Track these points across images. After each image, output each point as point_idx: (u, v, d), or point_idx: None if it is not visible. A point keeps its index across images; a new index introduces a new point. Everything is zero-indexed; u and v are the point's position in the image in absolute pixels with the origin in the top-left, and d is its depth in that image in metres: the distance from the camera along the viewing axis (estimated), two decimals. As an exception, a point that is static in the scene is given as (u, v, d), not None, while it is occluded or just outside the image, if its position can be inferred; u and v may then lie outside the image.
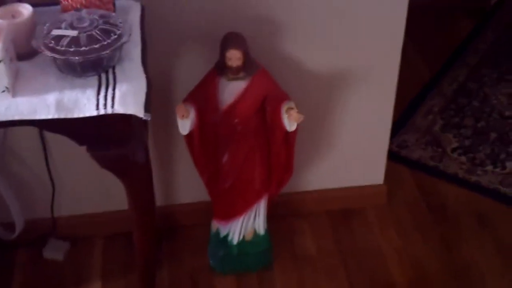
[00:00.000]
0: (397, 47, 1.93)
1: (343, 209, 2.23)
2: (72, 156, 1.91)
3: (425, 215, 2.23)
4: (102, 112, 1.36)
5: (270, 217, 2.01)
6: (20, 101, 1.35)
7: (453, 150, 2.45)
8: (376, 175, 2.22)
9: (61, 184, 2.03)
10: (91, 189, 2.06)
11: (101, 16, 1.43)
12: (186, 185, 2.11)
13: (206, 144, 1.84)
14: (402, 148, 2.46)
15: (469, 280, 2.03)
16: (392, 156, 2.38)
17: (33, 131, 1.88)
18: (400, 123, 2.55)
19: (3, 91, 1.34)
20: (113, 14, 1.47)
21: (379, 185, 2.24)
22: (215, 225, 2.00)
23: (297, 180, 2.13)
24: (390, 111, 2.08)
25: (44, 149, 1.94)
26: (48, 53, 1.37)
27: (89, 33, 1.38)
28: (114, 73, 1.41)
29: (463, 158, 2.41)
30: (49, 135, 1.90)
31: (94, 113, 1.36)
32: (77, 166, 1.97)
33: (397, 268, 2.06)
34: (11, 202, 1.96)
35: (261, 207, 1.96)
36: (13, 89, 1.36)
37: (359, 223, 2.20)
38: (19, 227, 2.00)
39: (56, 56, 1.36)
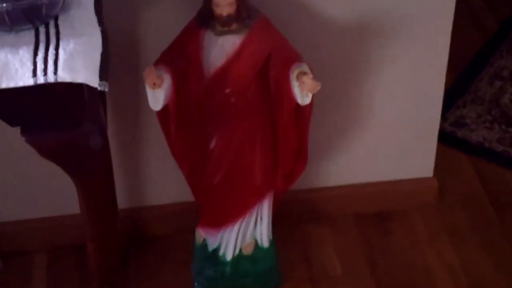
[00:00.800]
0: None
1: (378, 212, 2.25)
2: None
3: (489, 218, 2.25)
4: (41, 80, 1.36)
5: (277, 224, 2.02)
6: None
7: (530, 129, 2.47)
8: (422, 164, 2.24)
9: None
10: (30, 187, 2.07)
11: None
12: (160, 181, 2.13)
13: (186, 123, 1.85)
14: (459, 127, 2.48)
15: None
16: (445, 138, 2.39)
17: None
18: (455, 92, 2.56)
19: None
20: None
21: (427, 178, 2.26)
22: (201, 234, 2.01)
23: (313, 173, 2.15)
24: (442, 74, 2.08)
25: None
26: (-36, -1, 1.37)
27: (21, -31, 1.39)
28: (57, 26, 1.41)
29: (543, 141, 2.43)
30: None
31: (30, 82, 1.36)
32: (9, 155, 1.98)
33: (451, 290, 2.08)
34: None
35: (264, 209, 1.97)
36: None
37: (399, 230, 2.22)
38: None
39: (-24, 2, 1.37)
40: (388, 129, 2.14)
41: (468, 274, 2.11)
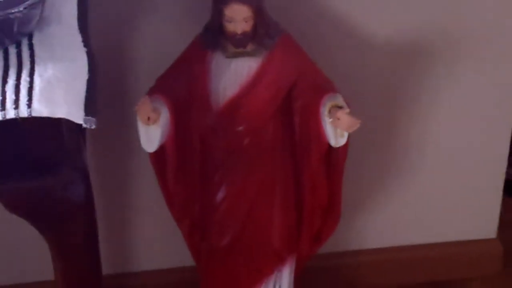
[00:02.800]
0: None
1: (427, 283, 2.26)
2: None
3: None
4: (10, 114, 1.35)
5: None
6: None
7: None
8: (483, 223, 2.26)
9: None
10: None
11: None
12: (154, 241, 2.15)
13: (187, 169, 1.85)
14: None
15: None
16: (511, 188, 2.39)
17: None
18: None
19: None
20: None
21: (489, 240, 2.28)
22: (202, 310, 2.01)
23: (346, 233, 2.17)
24: (510, 113, 2.11)
25: None
26: None
27: (-14, -24, 1.40)
28: (31, 47, 1.42)
29: None
30: None
31: (-4, 116, 1.37)
32: None
33: None
34: None
35: (284, 279, 1.96)
36: None
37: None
38: None
39: None
40: (440, 179, 2.16)
41: None
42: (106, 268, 1.99)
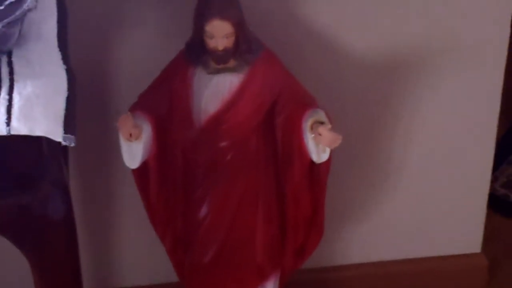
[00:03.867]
0: (507, 17, 1.97)
1: None
2: None
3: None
4: None
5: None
6: None
7: None
8: (468, 237, 2.25)
9: None
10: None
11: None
12: (136, 257, 2.14)
13: (170, 185, 1.85)
14: (512, 188, 2.48)
15: None
16: (496, 202, 2.42)
17: None
18: (508, 144, 2.58)
19: None
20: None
21: (474, 254, 2.27)
22: (187, 326, 2.01)
23: (330, 247, 2.16)
24: (493, 126, 2.11)
25: None
26: None
27: (-35, -6, 1.39)
28: (10, 64, 1.42)
29: None
30: None
31: (-25, 134, 1.37)
32: None
33: None
34: None
35: (268, 295, 1.97)
36: None
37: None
38: None
39: None
40: (424, 192, 2.16)
41: None
42: (88, 284, 1.99)
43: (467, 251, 2.25)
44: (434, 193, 2.17)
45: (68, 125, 1.38)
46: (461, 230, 2.23)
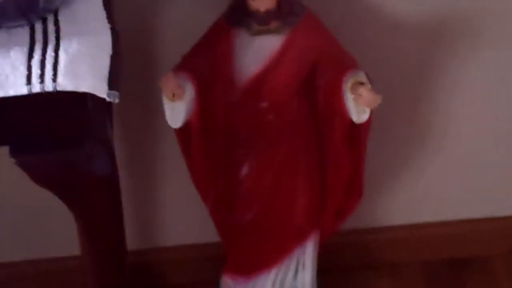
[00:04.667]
0: None
1: (451, 259, 2.26)
2: None
3: None
4: (36, 88, 1.36)
5: (324, 273, 2.03)
6: None
7: None
8: (506, 201, 2.25)
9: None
10: (20, 223, 2.09)
11: None
12: (179, 216, 2.15)
13: (212, 145, 1.86)
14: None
15: None
16: None
17: None
18: None
19: None
20: None
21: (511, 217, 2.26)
22: (228, 283, 2.03)
23: (370, 209, 2.17)
24: None
25: None
26: None
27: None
28: (56, 23, 1.41)
29: None
30: None
31: (23, 90, 1.36)
32: None
33: None
34: None
35: (308, 254, 1.98)
36: None
37: (477, 282, 2.22)
38: None
39: (-43, -8, 1.37)
40: (467, 154, 2.15)
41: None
42: (131, 244, 2.00)
43: (509, 213, 2.25)
44: (476, 155, 2.16)
45: (113, 82, 1.38)
46: (503, 192, 2.23)
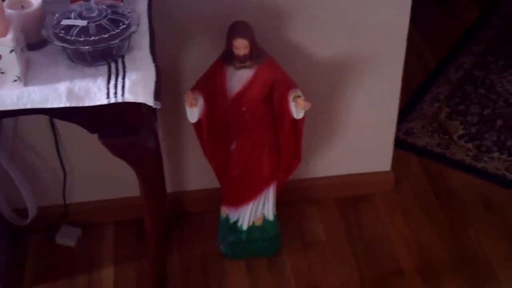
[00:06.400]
0: (403, 33, 1.92)
1: (351, 196, 2.22)
2: (82, 143, 1.91)
3: (432, 202, 2.22)
4: (112, 100, 1.36)
5: (280, 204, 2.01)
6: (32, 90, 1.36)
7: (460, 137, 2.43)
8: (383, 162, 2.21)
9: (72, 171, 2.04)
10: (102, 176, 2.06)
11: (110, 6, 1.42)
12: (196, 172, 2.11)
13: (214, 132, 1.84)
14: (409, 135, 2.45)
15: (476, 264, 2.03)
16: (399, 143, 2.37)
17: (44, 119, 1.88)
18: (406, 110, 2.53)
19: (15, 80, 1.35)
20: (121, 4, 1.46)
21: (386, 172, 2.23)
22: (225, 211, 2.01)
23: (305, 167, 2.13)
24: (397, 98, 2.07)
25: (55, 137, 1.94)
26: (58, 43, 1.36)
27: (98, 23, 1.38)
28: (123, 63, 1.41)
29: (469, 145, 2.40)
30: (59, 123, 1.90)
31: (104, 101, 1.36)
32: (88, 153, 1.97)
33: (404, 254, 2.06)
34: (23, 189, 1.97)
35: (270, 193, 1.96)
36: (25, 78, 1.36)
37: (367, 209, 2.20)
38: (31, 213, 2.01)
39: (66, 45, 1.36)
40: (358, 136, 2.12)
41: (417, 240, 2.10)
42: (169, 185, 2.04)
43: (383, 170, 2.21)
44: (364, 137, 2.12)
45: (156, 96, 1.39)
46: (379, 157, 2.18)
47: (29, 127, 1.93)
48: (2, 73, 1.33)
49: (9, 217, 2.04)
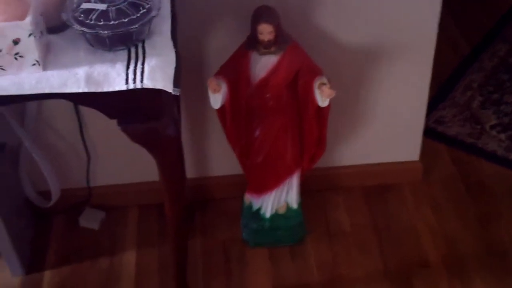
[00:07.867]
0: (434, 20, 1.88)
1: (378, 185, 2.19)
2: (106, 127, 1.84)
3: (461, 193, 2.18)
4: (131, 86, 1.34)
5: (304, 192, 2.00)
6: (51, 74, 1.35)
7: (492, 127, 2.38)
8: (411, 151, 2.18)
9: (96, 154, 2.04)
10: (126, 160, 2.06)
11: (131, -10, 1.41)
12: (219, 158, 2.10)
13: (237, 118, 1.83)
14: (439, 124, 2.40)
15: (505, 259, 1.98)
16: (429, 132, 2.33)
17: (67, 102, 1.84)
18: (437, 99, 2.48)
19: (34, 64, 1.34)
20: (143, -13, 1.44)
21: (415, 161, 2.20)
22: (248, 198, 2.00)
23: (331, 155, 2.11)
24: (427, 86, 2.03)
25: (79, 120, 1.95)
26: (78, 27, 1.35)
27: (118, 7, 1.36)
28: (143, 48, 1.39)
29: (502, 136, 2.34)
30: (84, 107, 1.89)
31: (123, 87, 1.35)
32: (112, 137, 1.93)
33: (431, 245, 2.03)
34: (47, 172, 1.98)
35: (294, 181, 1.95)
36: (44, 63, 1.35)
37: (394, 199, 2.17)
38: (55, 195, 2.02)
39: (86, 30, 1.35)
40: (386, 124, 2.09)
41: (444, 232, 2.06)
42: (189, 174, 2.04)
43: (411, 159, 2.19)
44: (393, 126, 2.09)
45: (176, 83, 1.37)
46: (408, 147, 2.16)
47: (53, 111, 1.94)
48: (21, 56, 1.33)
49: (33, 199, 2.06)
